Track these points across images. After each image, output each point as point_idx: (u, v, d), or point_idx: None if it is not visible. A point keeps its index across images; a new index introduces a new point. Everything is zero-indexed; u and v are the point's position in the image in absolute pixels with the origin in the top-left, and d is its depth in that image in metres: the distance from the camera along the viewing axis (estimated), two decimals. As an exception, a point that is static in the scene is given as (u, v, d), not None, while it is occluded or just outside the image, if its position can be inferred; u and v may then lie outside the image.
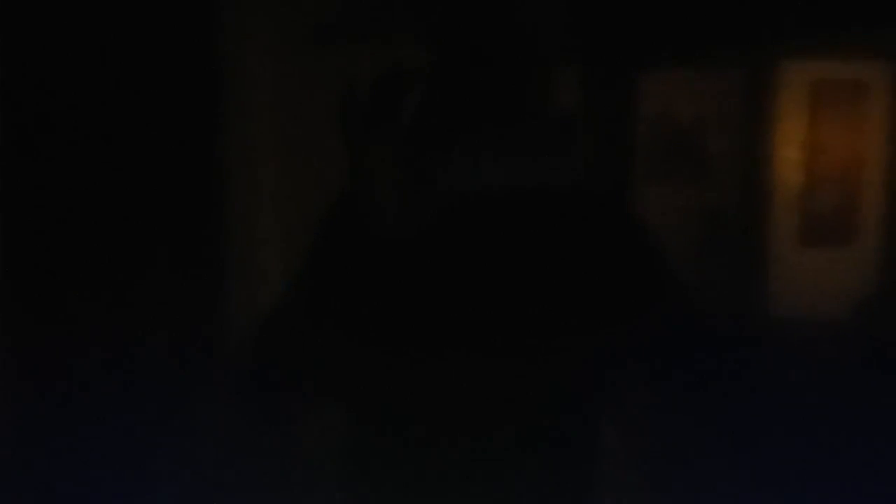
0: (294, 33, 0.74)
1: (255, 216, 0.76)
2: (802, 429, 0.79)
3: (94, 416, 0.79)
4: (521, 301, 0.76)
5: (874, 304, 0.80)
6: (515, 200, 0.74)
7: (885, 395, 0.79)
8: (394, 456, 0.79)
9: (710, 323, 0.79)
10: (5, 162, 0.75)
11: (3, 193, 0.75)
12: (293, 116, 0.75)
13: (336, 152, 0.73)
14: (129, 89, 0.73)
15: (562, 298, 0.77)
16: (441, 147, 0.71)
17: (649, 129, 0.77)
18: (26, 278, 0.78)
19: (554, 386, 0.78)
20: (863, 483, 0.79)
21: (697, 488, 0.79)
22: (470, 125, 0.71)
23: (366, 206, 0.73)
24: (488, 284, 0.76)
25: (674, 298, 0.78)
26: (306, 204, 0.76)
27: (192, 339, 0.77)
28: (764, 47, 0.76)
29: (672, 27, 0.75)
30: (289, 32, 0.74)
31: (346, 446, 0.80)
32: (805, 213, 0.79)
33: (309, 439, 0.81)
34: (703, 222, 0.78)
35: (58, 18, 0.74)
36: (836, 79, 0.77)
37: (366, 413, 0.80)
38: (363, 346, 0.76)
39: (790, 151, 0.77)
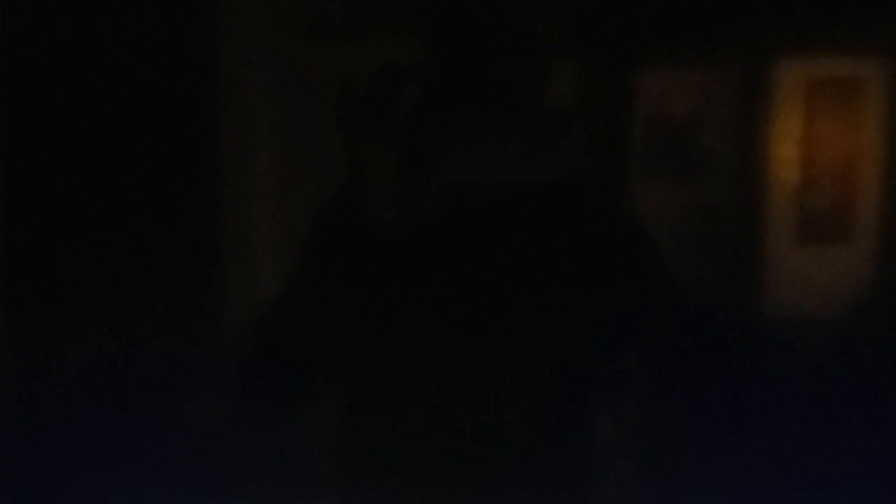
0: (290, 28, 0.74)
1: (251, 211, 0.76)
2: (799, 426, 0.79)
3: (88, 411, 0.78)
4: (517, 295, 0.76)
5: (871, 301, 0.80)
6: (512, 196, 0.75)
7: (882, 394, 0.79)
8: (392, 449, 0.79)
9: (705, 319, 0.79)
10: (2, 157, 0.75)
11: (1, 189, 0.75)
12: (290, 111, 0.75)
13: (333, 147, 0.73)
14: (122, 85, 0.73)
15: (557, 294, 0.77)
16: (438, 142, 0.71)
17: (645, 125, 0.77)
18: (21, 275, 0.78)
19: (551, 381, 0.78)
20: (862, 482, 0.79)
21: (693, 485, 0.79)
22: (467, 120, 0.72)
23: (363, 201, 0.73)
24: (485, 279, 0.76)
25: (669, 295, 0.79)
26: (303, 199, 0.76)
27: (189, 335, 0.77)
28: (760, 44, 0.76)
29: (669, 24, 0.75)
30: (285, 26, 0.74)
31: (345, 440, 0.80)
32: (801, 211, 0.79)
33: (307, 434, 0.81)
34: (699, 219, 0.78)
35: (54, 16, 0.74)
36: (834, 76, 0.77)
37: (363, 407, 0.80)
38: (361, 341, 0.76)
39: (787, 149, 0.77)
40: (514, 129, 0.72)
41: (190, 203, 0.77)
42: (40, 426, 0.80)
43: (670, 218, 0.78)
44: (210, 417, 0.80)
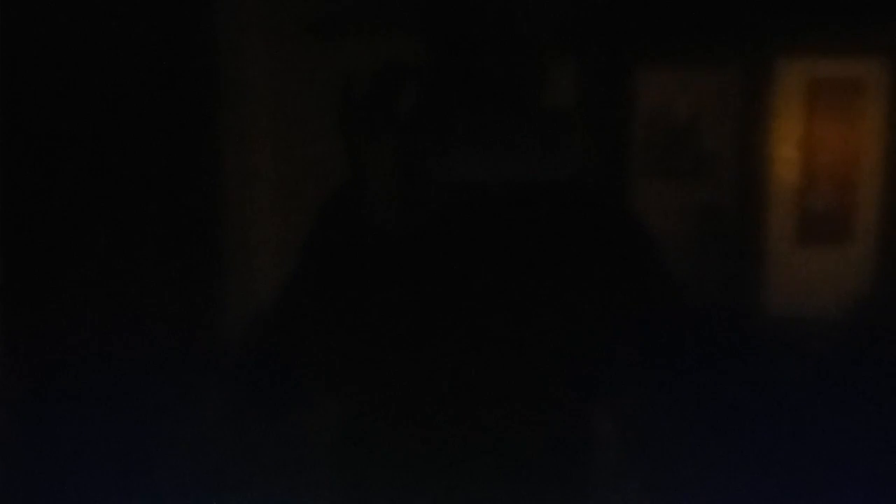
0: (291, 27, 0.74)
1: (251, 210, 0.76)
2: (799, 427, 0.79)
3: (87, 411, 0.78)
4: (518, 295, 0.76)
5: (872, 302, 0.80)
6: (512, 195, 0.75)
7: (883, 394, 0.78)
8: (392, 449, 0.79)
9: (705, 320, 0.79)
10: (3, 157, 0.75)
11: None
12: (290, 111, 0.75)
13: (333, 147, 0.73)
14: (122, 84, 0.73)
15: (558, 294, 0.77)
16: (439, 142, 0.71)
17: (645, 125, 0.77)
18: (20, 274, 0.78)
19: (551, 380, 0.78)
20: (863, 482, 0.79)
21: (692, 485, 0.79)
22: (467, 120, 0.72)
23: (363, 201, 0.73)
24: (484, 279, 0.76)
25: (669, 295, 0.79)
26: (304, 198, 0.76)
27: (189, 335, 0.77)
28: (761, 45, 0.76)
29: (669, 24, 0.75)
30: (285, 25, 0.74)
31: (345, 441, 0.80)
32: (802, 212, 0.79)
33: (308, 434, 0.81)
34: (700, 219, 0.78)
35: (53, 14, 0.74)
36: (834, 77, 0.77)
37: (363, 407, 0.80)
38: (361, 341, 0.76)
39: (787, 149, 0.77)
40: (515, 128, 0.72)
41: (190, 202, 0.77)
42: (38, 426, 0.80)
43: (671, 218, 0.77)
44: (210, 418, 0.80)
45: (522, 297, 0.77)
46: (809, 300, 0.80)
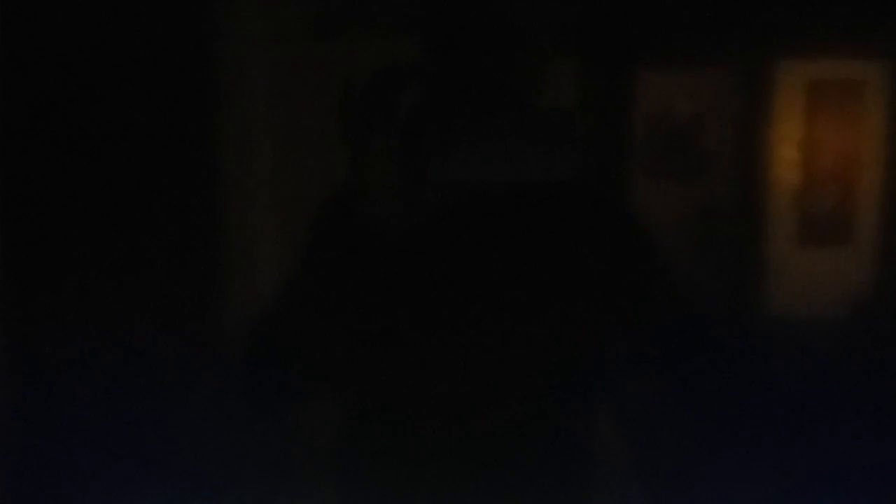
0: (291, 27, 0.74)
1: (251, 211, 0.76)
2: (801, 427, 0.78)
3: (88, 412, 0.79)
4: (518, 295, 0.76)
5: (872, 303, 0.80)
6: (512, 196, 0.75)
7: (884, 395, 0.78)
8: (391, 449, 0.79)
9: (706, 320, 0.79)
10: (4, 157, 0.76)
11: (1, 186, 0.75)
12: (290, 111, 0.75)
13: (334, 147, 0.73)
14: (123, 84, 0.73)
15: (558, 294, 0.77)
16: (439, 142, 0.71)
17: (646, 126, 0.77)
18: (21, 274, 0.78)
19: (550, 382, 0.78)
20: (865, 482, 0.78)
21: (694, 486, 0.79)
22: (468, 120, 0.72)
23: (364, 201, 0.73)
24: (484, 279, 0.76)
25: (670, 296, 0.78)
26: (304, 198, 0.76)
27: (190, 334, 0.77)
28: (762, 46, 0.76)
29: (670, 24, 0.75)
30: (286, 26, 0.75)
31: (346, 440, 0.80)
32: (803, 212, 0.79)
33: (306, 435, 0.81)
34: (700, 220, 0.78)
35: (54, 14, 0.74)
36: (835, 78, 0.77)
37: (363, 406, 0.80)
38: (361, 340, 0.76)
39: (788, 150, 0.77)
40: (515, 129, 0.72)
41: (190, 202, 0.78)
42: (40, 426, 0.80)
43: (671, 219, 0.77)
44: (210, 417, 0.80)
45: (522, 298, 0.77)
46: (810, 301, 0.80)
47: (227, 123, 0.77)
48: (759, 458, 0.80)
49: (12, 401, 0.80)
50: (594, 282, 0.78)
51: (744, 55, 0.76)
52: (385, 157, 0.73)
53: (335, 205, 0.75)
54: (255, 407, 0.80)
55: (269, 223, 0.78)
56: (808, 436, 0.79)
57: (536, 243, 0.77)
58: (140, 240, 0.77)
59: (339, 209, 0.75)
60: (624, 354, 0.81)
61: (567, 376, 0.79)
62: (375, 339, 0.77)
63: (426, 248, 0.76)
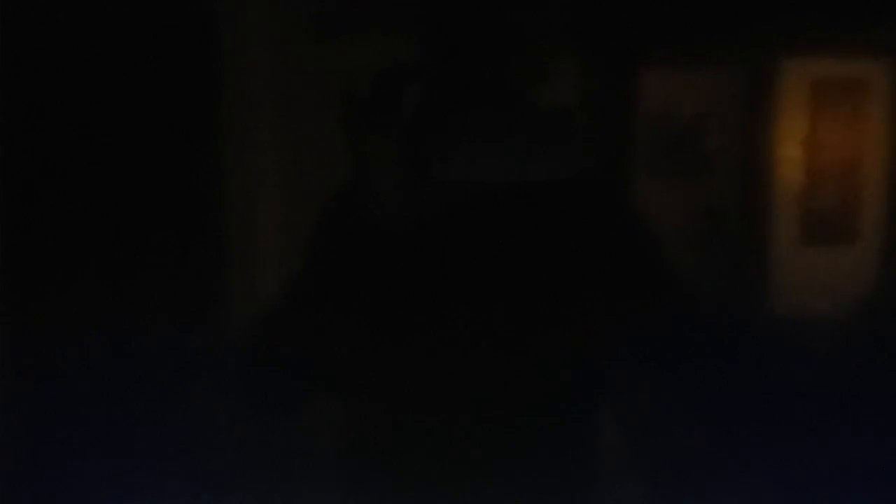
0: (294, 27, 0.75)
1: (255, 210, 0.76)
2: (803, 427, 0.78)
3: (91, 410, 0.79)
4: (520, 294, 0.76)
5: (877, 302, 0.79)
6: (515, 195, 0.75)
7: (888, 394, 0.78)
8: (395, 447, 0.79)
9: (710, 320, 0.78)
10: (6, 157, 0.76)
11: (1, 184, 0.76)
12: (294, 110, 0.75)
13: (337, 146, 0.73)
14: (125, 82, 0.73)
15: (561, 294, 0.77)
16: (442, 141, 0.72)
17: (649, 125, 0.76)
18: (24, 273, 0.78)
19: (554, 381, 0.78)
20: (868, 482, 0.78)
21: (697, 485, 0.79)
22: (471, 119, 0.72)
23: (367, 200, 0.73)
24: (488, 278, 0.76)
25: (673, 296, 0.78)
26: (307, 197, 0.76)
27: (194, 333, 0.77)
28: (765, 44, 0.76)
29: (673, 24, 0.75)
30: (288, 23, 0.75)
31: (349, 439, 0.80)
32: (806, 212, 0.78)
33: (312, 434, 0.81)
34: (703, 220, 0.78)
35: (55, 13, 0.74)
36: (838, 77, 0.77)
37: (367, 405, 0.80)
38: (364, 339, 0.76)
39: (791, 149, 0.77)
40: (518, 128, 0.72)
41: (194, 202, 0.78)
42: (41, 425, 0.80)
43: (674, 218, 0.77)
44: (215, 415, 0.80)
45: (525, 297, 0.77)
46: (814, 300, 0.80)
47: (231, 123, 0.77)
48: (763, 457, 0.80)
49: (14, 401, 0.80)
50: (597, 281, 0.78)
51: (747, 54, 0.76)
52: (388, 157, 0.73)
53: (339, 204, 0.75)
54: (260, 406, 0.80)
55: (273, 222, 0.78)
56: (813, 435, 0.79)
57: (539, 243, 0.77)
58: (143, 239, 0.77)
59: (343, 208, 0.75)
60: (627, 353, 0.81)
61: (570, 375, 0.79)
62: (379, 339, 0.77)
63: (429, 247, 0.77)
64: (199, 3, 0.77)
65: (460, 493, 0.78)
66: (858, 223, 0.79)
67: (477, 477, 0.78)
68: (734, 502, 0.80)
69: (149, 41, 0.75)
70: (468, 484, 0.78)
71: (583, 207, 0.78)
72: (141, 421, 0.79)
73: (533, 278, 0.77)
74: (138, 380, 0.78)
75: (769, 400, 0.79)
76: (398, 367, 0.78)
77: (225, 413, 0.80)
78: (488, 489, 0.78)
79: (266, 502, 0.80)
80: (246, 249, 0.78)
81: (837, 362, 0.80)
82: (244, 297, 0.79)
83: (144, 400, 0.79)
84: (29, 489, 0.81)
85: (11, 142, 0.76)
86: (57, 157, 0.77)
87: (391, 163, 0.73)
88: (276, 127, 0.76)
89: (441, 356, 0.77)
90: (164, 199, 0.77)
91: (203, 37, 0.76)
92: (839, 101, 0.77)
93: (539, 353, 0.77)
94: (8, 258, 0.78)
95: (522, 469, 0.79)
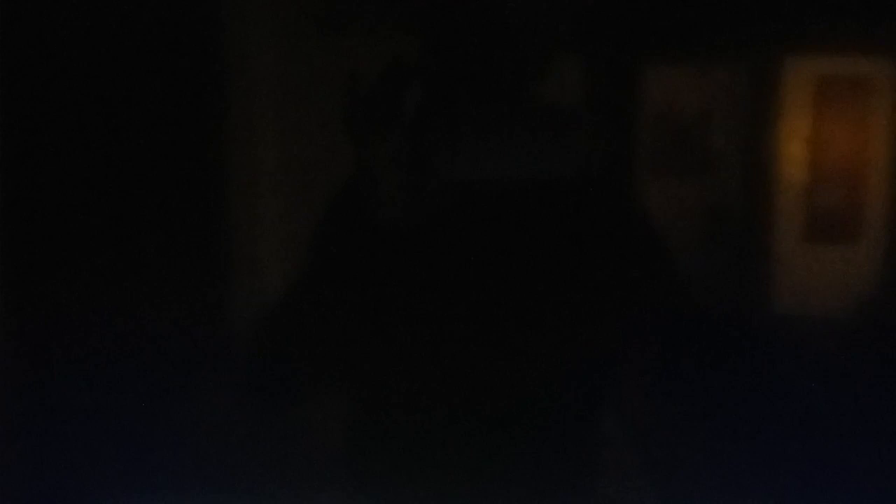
0: (296, 24, 0.74)
1: (258, 208, 0.76)
2: (806, 426, 0.78)
3: (92, 409, 0.79)
4: (524, 293, 0.76)
5: (881, 301, 0.79)
6: (519, 193, 0.75)
7: (892, 393, 0.78)
8: (397, 446, 0.79)
9: (713, 318, 0.78)
10: (4, 150, 0.75)
11: (1, 182, 0.75)
12: (296, 108, 0.75)
13: (339, 145, 0.73)
14: (127, 79, 0.73)
15: (564, 292, 0.77)
16: (445, 139, 0.71)
17: (652, 123, 0.76)
18: (25, 269, 0.78)
19: (557, 379, 0.78)
20: (870, 482, 0.78)
21: (698, 484, 0.79)
22: (473, 117, 0.71)
23: (370, 199, 0.73)
24: (491, 277, 0.76)
25: (676, 294, 0.78)
26: (310, 195, 0.76)
27: (197, 333, 0.77)
28: (769, 42, 0.76)
29: (677, 20, 0.75)
30: (291, 22, 0.74)
31: (352, 438, 0.80)
32: (810, 210, 0.78)
33: (315, 431, 0.81)
34: (706, 218, 0.77)
35: (57, 10, 0.74)
36: (842, 75, 0.77)
37: (370, 403, 0.80)
38: (367, 338, 0.76)
39: (795, 148, 0.77)
40: (521, 126, 0.72)
41: (195, 200, 0.77)
42: (44, 424, 0.80)
43: (677, 216, 0.77)
44: (217, 414, 0.80)
45: (529, 295, 0.77)
46: (818, 299, 0.80)
47: (234, 121, 0.76)
48: (766, 456, 0.80)
49: (14, 401, 0.80)
50: (600, 279, 0.78)
51: (751, 51, 0.76)
52: (392, 155, 0.73)
53: (342, 202, 0.75)
54: (263, 404, 0.80)
55: (277, 221, 0.78)
56: (817, 435, 0.79)
57: (543, 241, 0.77)
58: (145, 237, 0.77)
59: (346, 206, 0.75)
60: (630, 351, 0.81)
61: (574, 374, 0.79)
62: (383, 337, 0.77)
63: (433, 245, 0.76)
64: (201, 2, 0.77)
65: (462, 493, 0.78)
66: (863, 221, 0.79)
67: (481, 477, 0.78)
68: (740, 501, 0.80)
69: (151, 38, 0.74)
70: (470, 484, 0.78)
71: (585, 205, 0.78)
72: (142, 421, 0.79)
73: (536, 277, 0.77)
74: (140, 379, 0.78)
75: (774, 398, 0.79)
76: (402, 366, 0.78)
77: (227, 412, 0.80)
78: (493, 489, 0.78)
79: (268, 502, 0.80)
80: (248, 247, 0.78)
81: (842, 361, 0.79)
82: (246, 296, 0.79)
83: (146, 399, 0.79)
84: (29, 489, 0.81)
85: (13, 140, 0.76)
86: (57, 153, 0.76)
87: (395, 161, 0.73)
88: (279, 125, 0.76)
89: (447, 355, 0.77)
90: (165, 197, 0.77)
91: (205, 35, 0.76)
92: (844, 99, 0.77)
93: (543, 351, 0.77)
94: (9, 258, 0.78)
95: (529, 467, 0.79)
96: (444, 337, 0.77)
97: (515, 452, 0.78)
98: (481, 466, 0.78)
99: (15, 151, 0.76)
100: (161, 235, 0.77)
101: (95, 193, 0.76)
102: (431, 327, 0.77)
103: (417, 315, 0.77)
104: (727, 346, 0.79)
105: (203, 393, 0.80)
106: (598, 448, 0.81)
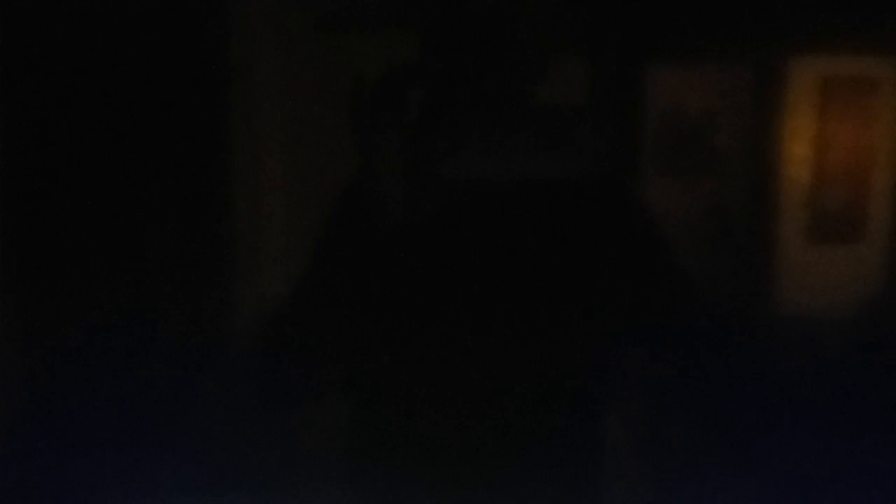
0: (299, 24, 0.74)
1: (262, 208, 0.76)
2: (808, 426, 0.78)
3: (97, 409, 0.79)
4: (527, 293, 0.76)
5: (884, 301, 0.79)
6: (522, 193, 0.75)
7: (893, 393, 0.78)
8: (400, 446, 0.79)
9: (716, 318, 0.78)
10: (6, 150, 0.75)
11: (4, 181, 0.75)
12: (299, 109, 0.75)
13: (343, 145, 0.73)
14: (131, 80, 0.73)
15: (567, 292, 0.77)
16: (448, 140, 0.71)
17: (657, 124, 0.76)
18: (29, 269, 0.78)
19: (559, 378, 0.78)
20: (873, 482, 0.78)
21: (699, 484, 0.79)
22: (476, 118, 0.71)
23: (373, 198, 0.73)
24: (494, 276, 0.76)
25: (680, 294, 0.78)
26: (314, 196, 0.76)
27: (201, 332, 0.77)
28: (774, 42, 0.76)
29: (681, 21, 0.75)
30: (294, 22, 0.74)
31: (355, 437, 0.80)
32: (814, 210, 0.78)
33: (319, 430, 0.81)
34: (711, 218, 0.77)
35: (61, 12, 0.74)
36: (847, 75, 0.76)
37: (374, 403, 0.80)
38: (371, 337, 0.76)
39: (799, 148, 0.76)
40: (525, 126, 0.72)
41: (200, 201, 0.77)
42: (46, 424, 0.80)
43: (682, 216, 0.77)
44: (222, 414, 0.80)
45: (532, 295, 0.77)
46: (822, 299, 0.80)
47: (238, 122, 0.76)
48: (769, 456, 0.80)
49: (15, 400, 0.80)
50: (605, 279, 0.78)
51: (756, 51, 0.76)
52: (395, 155, 0.73)
53: (345, 202, 0.75)
54: (268, 403, 0.80)
55: (281, 222, 0.78)
56: (820, 435, 0.79)
57: (547, 241, 0.77)
58: (152, 237, 0.77)
59: (350, 207, 0.75)
60: (634, 351, 0.81)
61: (577, 373, 0.79)
62: (387, 337, 0.77)
63: (436, 245, 0.76)
64: (203, 2, 0.76)
65: (463, 493, 0.78)
66: (867, 222, 0.79)
67: (483, 477, 0.78)
68: (742, 501, 0.80)
69: (154, 39, 0.74)
70: (472, 484, 0.78)
71: (590, 205, 0.78)
72: (145, 420, 0.79)
73: (540, 276, 0.77)
74: (143, 379, 0.78)
75: (778, 398, 0.79)
76: (407, 366, 0.78)
77: (230, 412, 0.80)
78: (494, 489, 0.78)
79: (271, 502, 0.80)
80: (252, 248, 0.78)
81: (845, 361, 0.79)
82: (254, 296, 0.79)
83: (149, 399, 0.79)
84: (30, 489, 0.81)
85: (20, 140, 0.76)
86: (60, 154, 0.76)
87: (398, 161, 0.73)
88: (283, 126, 0.76)
89: (450, 354, 0.77)
90: (172, 198, 0.77)
91: (208, 36, 0.76)
92: (848, 100, 0.77)
93: (546, 351, 0.77)
94: (11, 258, 0.78)
95: (529, 468, 0.79)
96: (447, 336, 0.77)
97: (518, 452, 0.79)
98: (483, 466, 0.78)
99: (23, 152, 0.76)
100: (164, 236, 0.77)
101: (100, 195, 0.76)
102: (435, 326, 0.77)
103: (421, 314, 0.77)
104: (731, 346, 0.79)
105: (206, 393, 0.80)
106: (600, 448, 0.81)
